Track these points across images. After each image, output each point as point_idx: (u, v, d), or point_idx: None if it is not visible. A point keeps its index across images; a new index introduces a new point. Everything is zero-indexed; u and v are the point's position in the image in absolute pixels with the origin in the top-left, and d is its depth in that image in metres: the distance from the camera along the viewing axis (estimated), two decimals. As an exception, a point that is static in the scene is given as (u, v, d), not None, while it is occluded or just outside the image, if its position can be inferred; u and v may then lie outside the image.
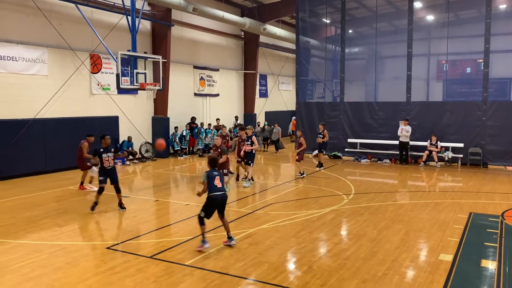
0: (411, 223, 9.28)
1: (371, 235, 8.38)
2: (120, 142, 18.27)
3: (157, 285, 6.12)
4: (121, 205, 10.27)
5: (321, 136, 17.16)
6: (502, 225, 8.99)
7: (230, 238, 7.77)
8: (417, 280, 6.33)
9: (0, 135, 13.94)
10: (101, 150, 10.16)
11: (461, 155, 17.44)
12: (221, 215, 7.80)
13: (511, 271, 6.59)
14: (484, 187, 13.38)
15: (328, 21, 22.29)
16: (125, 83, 14.17)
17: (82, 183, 12.73)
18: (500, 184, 13.79)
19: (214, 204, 7.65)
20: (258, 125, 24.41)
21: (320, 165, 16.97)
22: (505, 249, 7.58)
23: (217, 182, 7.66)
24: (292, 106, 28.27)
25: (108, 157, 10.25)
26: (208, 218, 7.63)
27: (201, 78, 23.22)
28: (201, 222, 7.59)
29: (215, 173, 7.73)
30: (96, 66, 17.31)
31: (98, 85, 17.41)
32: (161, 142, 12.16)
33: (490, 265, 6.85)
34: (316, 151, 20.44)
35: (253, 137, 13.77)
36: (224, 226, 7.88)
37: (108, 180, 10.22)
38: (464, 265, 6.84)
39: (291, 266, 7.02)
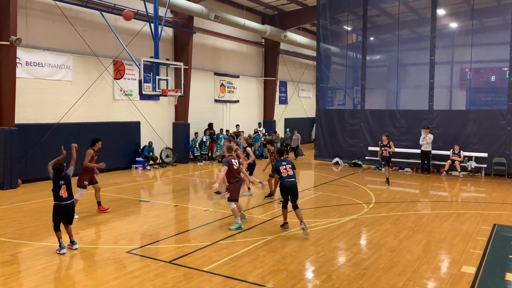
0: (432, 233, 9.11)
1: (392, 245, 8.26)
2: (141, 147, 18.52)
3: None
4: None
5: (387, 148, 15.05)
6: (528, 238, 8.75)
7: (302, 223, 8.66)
8: (439, 292, 6.20)
9: (26, 139, 14.29)
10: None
11: (485, 165, 17.06)
12: (294, 203, 8.82)
13: (537, 286, 6.40)
14: (509, 198, 13.05)
15: (349, 28, 22.20)
16: (147, 89, 14.35)
17: (99, 203, 10.76)
18: (525, 196, 13.43)
19: (286, 191, 8.84)
20: (275, 132, 24.40)
21: (387, 181, 15.07)
22: (531, 262, 7.37)
23: (284, 170, 8.86)
24: (312, 113, 28.19)
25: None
26: (287, 203, 8.90)
27: (222, 85, 23.39)
28: (284, 206, 9.02)
29: (284, 162, 9.04)
30: (119, 72, 17.63)
31: (121, 91, 17.72)
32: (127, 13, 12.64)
33: (515, 279, 6.67)
34: (336, 160, 20.37)
35: (248, 148, 13.26)
36: (296, 215, 8.79)
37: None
38: (488, 278, 6.67)
39: (309, 274, 6.97)
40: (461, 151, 17.20)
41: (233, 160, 9.46)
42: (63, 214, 7.76)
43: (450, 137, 17.68)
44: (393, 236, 8.90)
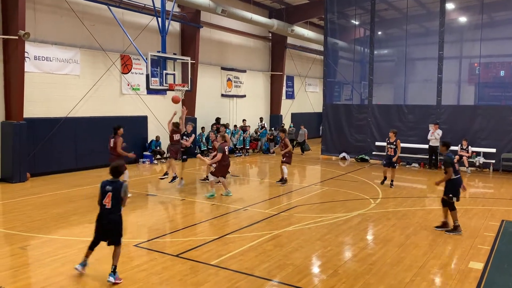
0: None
1: (399, 241, 8.24)
2: (149, 141, 18.59)
3: (182, 284, 6.20)
4: None
5: (392, 146, 13.59)
6: (536, 234, 8.68)
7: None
8: (446, 287, 6.19)
9: (34, 133, 14.39)
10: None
11: (493, 161, 16.93)
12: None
13: (545, 282, 6.36)
14: (518, 194, 12.95)
15: (357, 23, 22.06)
16: (155, 83, 14.38)
17: None
18: (534, 192, 13.32)
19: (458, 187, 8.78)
20: (283, 126, 24.36)
21: (390, 182, 13.69)
22: (539, 259, 7.32)
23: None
24: (318, 108, 28.12)
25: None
26: (458, 200, 8.75)
27: (228, 79, 23.36)
28: (452, 208, 8.75)
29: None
30: (126, 66, 17.67)
31: (128, 85, 17.76)
32: (176, 97, 12.60)
33: (523, 275, 6.63)
34: (343, 155, 20.32)
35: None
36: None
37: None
38: (496, 274, 6.64)
39: (316, 269, 6.98)
40: (469, 147, 17.08)
41: (225, 147, 11.77)
42: (103, 227, 6.36)
43: (458, 132, 17.55)
44: (400, 231, 8.87)
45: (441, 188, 10.53)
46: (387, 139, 13.92)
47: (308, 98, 31.24)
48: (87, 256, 6.45)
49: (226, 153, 11.81)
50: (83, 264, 6.44)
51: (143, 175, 15.77)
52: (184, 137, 13.73)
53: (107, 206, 6.26)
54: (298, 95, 30.07)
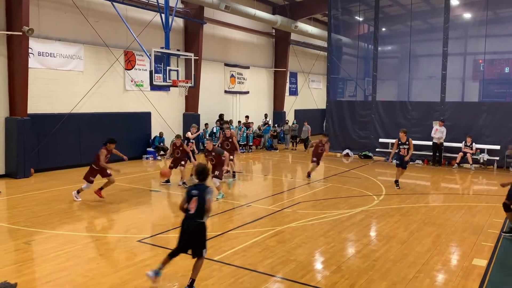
0: (443, 226, 9.05)
1: (402, 237, 8.23)
2: (152, 137, 18.62)
3: (186, 279, 6.20)
4: None
5: (405, 146, 12.86)
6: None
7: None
8: (449, 284, 6.17)
9: (38, 129, 14.44)
10: None
11: (497, 158, 16.87)
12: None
13: (549, 279, 6.34)
14: (522, 191, 12.88)
15: (361, 19, 21.97)
16: (158, 79, 14.41)
17: (101, 188, 10.89)
18: (538, 189, 13.25)
19: None
20: (287, 123, 24.36)
21: (397, 183, 13.05)
22: (543, 256, 7.30)
23: None
24: (322, 105, 28.05)
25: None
26: None
27: (232, 76, 23.35)
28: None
29: None
30: (130, 62, 17.68)
31: (132, 81, 17.78)
32: (164, 172, 11.42)
33: (527, 272, 6.62)
34: (347, 151, 20.28)
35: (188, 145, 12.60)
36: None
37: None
38: (499, 271, 6.63)
39: (319, 265, 6.99)
40: (473, 143, 17.02)
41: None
42: (185, 234, 5.80)
43: (462, 129, 17.49)
44: (404, 228, 8.86)
45: (445, 184, 10.56)
46: (397, 140, 12.96)
47: (311, 94, 31.18)
48: (163, 264, 5.80)
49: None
50: (157, 273, 5.75)
51: (147, 171, 15.81)
52: (191, 141, 13.80)
53: (191, 212, 5.69)
54: (301, 91, 30.01)
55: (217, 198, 10.77)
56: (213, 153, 11.21)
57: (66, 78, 15.51)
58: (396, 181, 13.03)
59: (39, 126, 14.47)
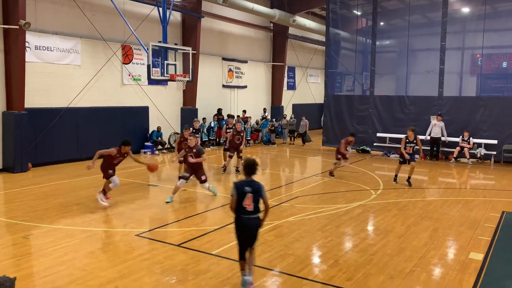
0: (440, 220, 9.10)
1: (399, 231, 8.27)
2: (150, 132, 18.60)
3: (184, 273, 6.24)
4: None
5: (413, 144, 12.54)
6: (537, 226, 8.70)
7: None
8: (446, 278, 6.22)
9: (35, 123, 14.40)
10: None
11: (495, 152, 16.93)
12: None
13: (545, 273, 6.38)
14: (518, 185, 12.96)
15: (359, 13, 21.91)
16: (156, 74, 14.37)
17: (104, 191, 10.02)
18: (535, 183, 13.33)
19: None
20: (285, 118, 24.36)
21: (409, 181, 12.63)
22: (539, 250, 7.35)
23: None
24: (320, 99, 28.04)
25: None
26: None
27: (230, 70, 23.30)
28: None
29: None
30: (127, 56, 17.61)
31: (129, 75, 17.72)
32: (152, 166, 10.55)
33: (523, 266, 6.66)
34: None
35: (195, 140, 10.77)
36: None
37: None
38: (496, 265, 6.67)
39: (316, 259, 7.01)
40: (471, 138, 17.06)
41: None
42: (244, 232, 5.73)
43: (460, 123, 17.52)
44: (401, 222, 8.90)
45: (442, 179, 10.55)
46: (405, 137, 12.57)
47: (309, 89, 31.16)
48: (243, 269, 5.73)
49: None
50: (248, 282, 5.63)
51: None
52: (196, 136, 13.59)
53: (249, 209, 5.54)
54: (299, 86, 29.98)
55: (166, 202, 10.16)
56: (194, 150, 10.40)
57: (63, 72, 15.44)
58: (408, 178, 12.57)
59: (36, 121, 14.43)
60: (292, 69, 29.00)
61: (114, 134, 16.93)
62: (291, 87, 29.21)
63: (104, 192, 9.93)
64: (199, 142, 12.97)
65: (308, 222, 8.79)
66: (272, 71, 26.82)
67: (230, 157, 14.12)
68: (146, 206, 10.09)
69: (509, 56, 18.83)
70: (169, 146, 19.22)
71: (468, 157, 16.90)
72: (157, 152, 18.26)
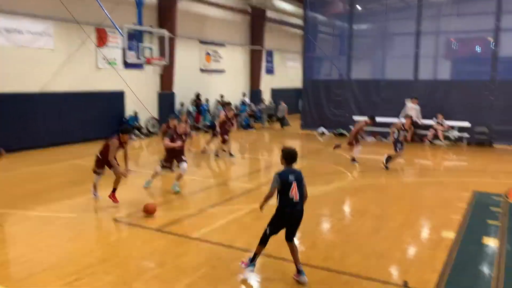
0: (415, 201, 9.34)
1: (375, 212, 8.45)
2: (126, 116, 18.34)
3: (163, 257, 6.25)
4: None
5: (405, 133, 12.38)
6: (506, 204, 9.02)
7: None
8: (419, 256, 6.42)
9: (7, 108, 14.01)
10: None
11: (468, 134, 17.36)
12: None
13: (512, 249, 6.66)
14: (490, 166, 13.39)
15: (337, -3, 21.89)
16: (131, 57, 14.13)
17: (114, 189, 8.83)
18: (505, 163, 13.78)
19: None
20: (263, 102, 24.39)
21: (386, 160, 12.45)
22: (508, 227, 7.63)
23: None
24: (298, 84, 28.10)
25: None
26: None
27: (207, 54, 23.06)
28: None
29: None
30: (102, 40, 17.21)
31: (104, 59, 17.35)
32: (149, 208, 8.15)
33: (492, 242, 6.92)
34: (322, 129, 20.49)
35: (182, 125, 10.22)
36: None
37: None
38: (466, 243, 6.91)
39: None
40: (445, 121, 17.43)
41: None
42: (289, 222, 5.66)
43: (434, 107, 17.86)
44: (377, 203, 9.09)
45: (417, 160, 10.75)
46: (402, 125, 12.44)
47: (288, 73, 31.15)
48: (258, 253, 5.76)
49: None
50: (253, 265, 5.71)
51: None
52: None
53: (296, 199, 5.45)
54: (278, 70, 29.95)
55: (144, 186, 9.93)
56: (183, 137, 9.99)
57: (36, 56, 15.01)
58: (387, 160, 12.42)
59: (7, 106, 14.05)
60: (270, 53, 28.91)
61: (89, 120, 16.67)
62: (270, 71, 29.15)
63: (114, 190, 8.71)
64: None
65: (287, 205, 8.88)
66: (251, 55, 26.68)
67: (224, 142, 13.98)
68: (124, 191, 9.99)
69: (482, 41, 19.18)
70: (146, 131, 19.00)
71: (442, 139, 17.29)
72: (134, 137, 18.03)
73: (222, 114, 14.28)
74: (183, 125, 10.17)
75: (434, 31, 19.40)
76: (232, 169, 12.89)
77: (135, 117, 18.41)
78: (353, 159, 13.33)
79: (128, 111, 18.43)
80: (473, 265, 6.11)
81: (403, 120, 17.33)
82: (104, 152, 8.64)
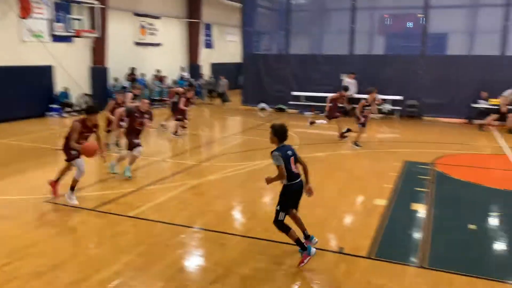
0: (350, 171, 9.70)
1: (313, 184, 8.63)
2: (56, 93, 17.29)
3: (101, 237, 6.05)
4: None
5: (369, 108, 12.47)
6: (433, 172, 9.62)
7: None
8: (354, 223, 6.73)
9: None
10: None
11: (400, 108, 18.19)
12: None
13: (438, 213, 7.13)
14: (419, 137, 14.18)
15: (275, -31, 21.75)
16: (59, 29, 13.22)
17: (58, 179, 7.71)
18: (433, 135, 14.64)
19: None
20: (202, 77, 24.00)
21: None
22: (434, 193, 8.16)
23: None
24: (238, 58, 27.90)
25: None
26: None
27: (142, 27, 22.14)
28: None
29: None
30: (26, 10, 15.87)
31: (29, 31, 16.09)
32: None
33: (420, 208, 7.37)
34: (263, 105, 20.55)
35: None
36: None
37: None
38: (396, 209, 7.31)
39: (236, 214, 7.18)
40: (378, 95, 18.09)
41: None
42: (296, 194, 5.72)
43: (369, 81, 18.42)
44: (314, 174, 9.25)
45: (353, 133, 11.10)
46: (366, 101, 12.47)
47: (228, 48, 30.76)
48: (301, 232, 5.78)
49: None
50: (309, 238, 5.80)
51: (52, 129, 14.78)
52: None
53: (296, 171, 5.56)
54: (217, 44, 29.47)
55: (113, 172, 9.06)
56: (146, 115, 9.03)
57: (-52, 27, 13.63)
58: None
59: None
60: (209, 27, 28.32)
61: (15, 96, 15.60)
62: (209, 45, 28.62)
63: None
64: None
65: (227, 180, 8.90)
66: (188, 28, 25.98)
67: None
68: (55, 171, 9.49)
69: (413, 17, 19.97)
70: (78, 108, 18.05)
71: (376, 112, 17.97)
72: (65, 114, 17.08)
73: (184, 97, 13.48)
74: (146, 102, 9.18)
75: (368, 6, 19.91)
76: (172, 145, 12.64)
77: (65, 93, 17.41)
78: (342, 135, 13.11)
79: (58, 87, 17.37)
80: (403, 230, 6.49)
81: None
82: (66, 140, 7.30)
